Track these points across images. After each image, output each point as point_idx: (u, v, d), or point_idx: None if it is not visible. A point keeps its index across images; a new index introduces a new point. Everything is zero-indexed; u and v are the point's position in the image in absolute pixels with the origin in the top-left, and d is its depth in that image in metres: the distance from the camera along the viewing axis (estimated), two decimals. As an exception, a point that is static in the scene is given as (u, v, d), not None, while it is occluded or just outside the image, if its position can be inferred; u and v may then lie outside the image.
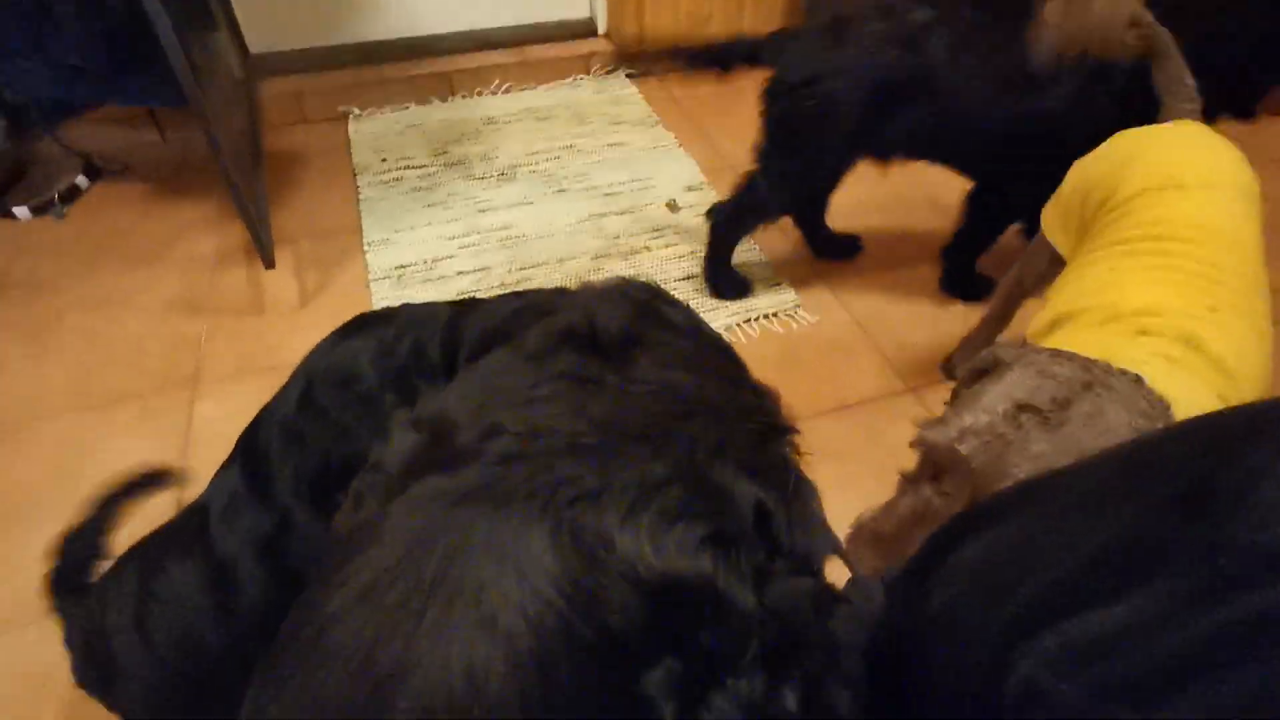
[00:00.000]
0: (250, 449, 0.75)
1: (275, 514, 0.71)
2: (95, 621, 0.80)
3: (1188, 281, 0.84)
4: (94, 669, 0.81)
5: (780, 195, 1.49)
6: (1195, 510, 0.36)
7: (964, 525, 0.61)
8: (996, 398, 0.69)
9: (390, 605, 0.29)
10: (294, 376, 0.75)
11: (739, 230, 1.58)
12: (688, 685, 0.30)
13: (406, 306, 0.76)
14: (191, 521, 0.77)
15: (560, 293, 0.72)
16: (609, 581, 0.29)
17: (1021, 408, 0.67)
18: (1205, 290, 0.83)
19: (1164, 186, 0.93)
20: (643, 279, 0.77)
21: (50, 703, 1.01)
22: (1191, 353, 0.77)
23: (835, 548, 0.38)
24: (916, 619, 0.58)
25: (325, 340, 0.76)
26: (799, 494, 0.39)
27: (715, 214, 1.58)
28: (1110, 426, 0.65)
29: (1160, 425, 0.67)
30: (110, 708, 0.84)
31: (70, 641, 0.85)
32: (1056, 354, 0.73)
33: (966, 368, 0.81)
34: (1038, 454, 0.65)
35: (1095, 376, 0.69)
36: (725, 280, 1.64)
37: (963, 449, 0.67)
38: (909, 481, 0.75)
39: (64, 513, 1.29)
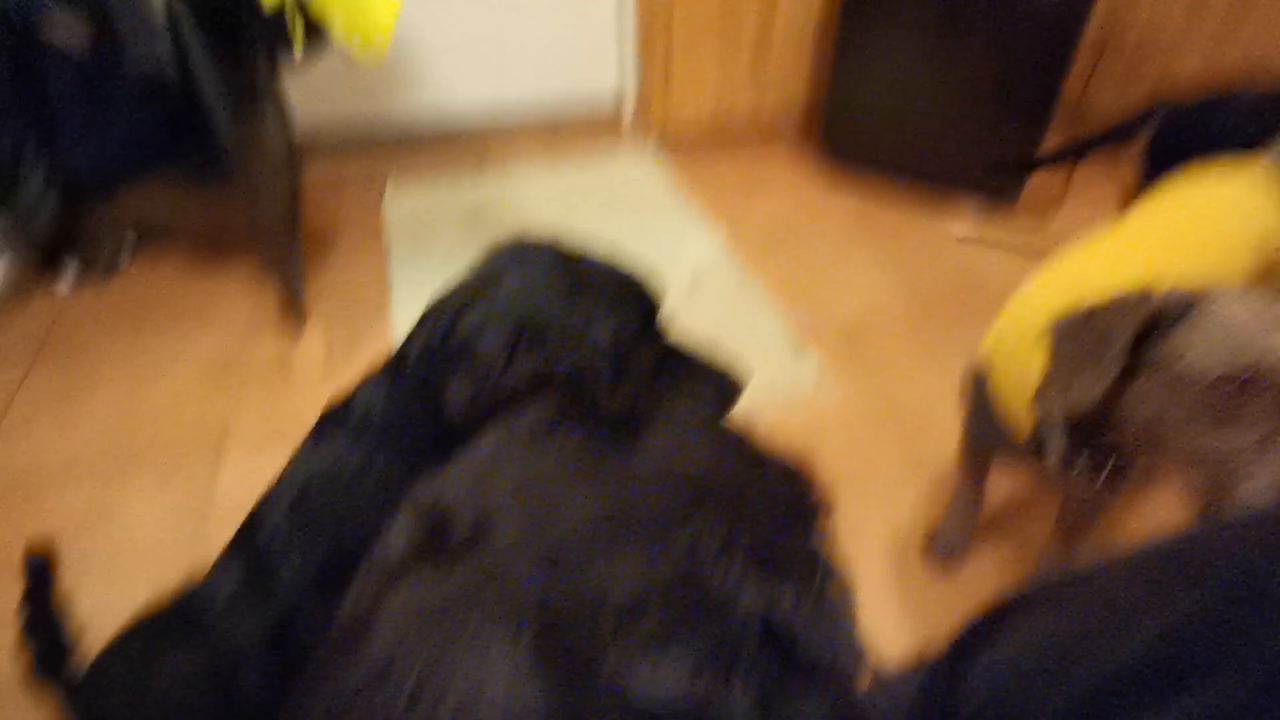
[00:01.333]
0: (251, 548, 0.75)
1: (279, 609, 0.71)
2: (95, 697, 0.78)
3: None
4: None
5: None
6: (1263, 603, 0.33)
7: (999, 616, 0.56)
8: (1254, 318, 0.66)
9: (375, 712, 0.28)
10: (281, 480, 0.77)
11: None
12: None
13: (358, 387, 0.80)
14: (192, 611, 0.76)
15: (476, 279, 0.76)
16: (599, 708, 0.27)
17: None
18: None
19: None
20: (549, 236, 0.81)
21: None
22: None
23: (860, 653, 0.35)
24: (953, 718, 0.53)
25: (303, 444, 0.79)
26: (824, 589, 0.36)
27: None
28: None
29: None
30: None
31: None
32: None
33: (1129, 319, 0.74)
34: None
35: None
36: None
37: None
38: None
39: (76, 580, 1.28)
